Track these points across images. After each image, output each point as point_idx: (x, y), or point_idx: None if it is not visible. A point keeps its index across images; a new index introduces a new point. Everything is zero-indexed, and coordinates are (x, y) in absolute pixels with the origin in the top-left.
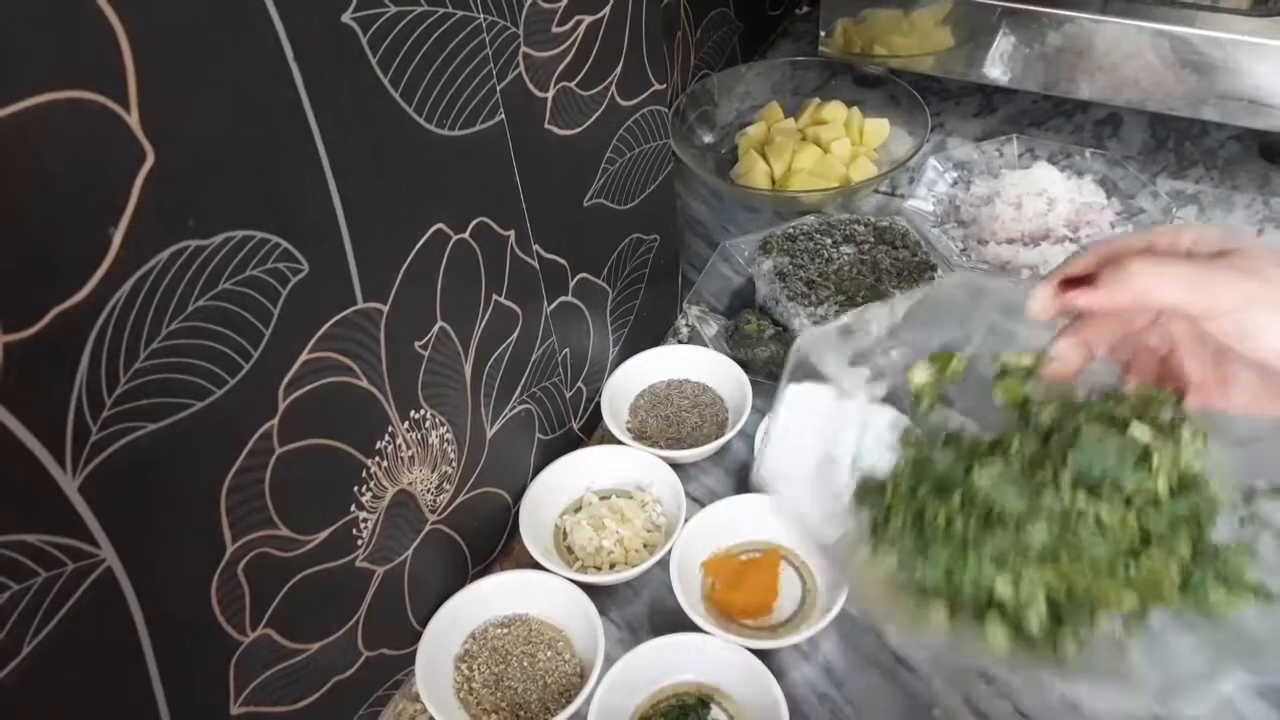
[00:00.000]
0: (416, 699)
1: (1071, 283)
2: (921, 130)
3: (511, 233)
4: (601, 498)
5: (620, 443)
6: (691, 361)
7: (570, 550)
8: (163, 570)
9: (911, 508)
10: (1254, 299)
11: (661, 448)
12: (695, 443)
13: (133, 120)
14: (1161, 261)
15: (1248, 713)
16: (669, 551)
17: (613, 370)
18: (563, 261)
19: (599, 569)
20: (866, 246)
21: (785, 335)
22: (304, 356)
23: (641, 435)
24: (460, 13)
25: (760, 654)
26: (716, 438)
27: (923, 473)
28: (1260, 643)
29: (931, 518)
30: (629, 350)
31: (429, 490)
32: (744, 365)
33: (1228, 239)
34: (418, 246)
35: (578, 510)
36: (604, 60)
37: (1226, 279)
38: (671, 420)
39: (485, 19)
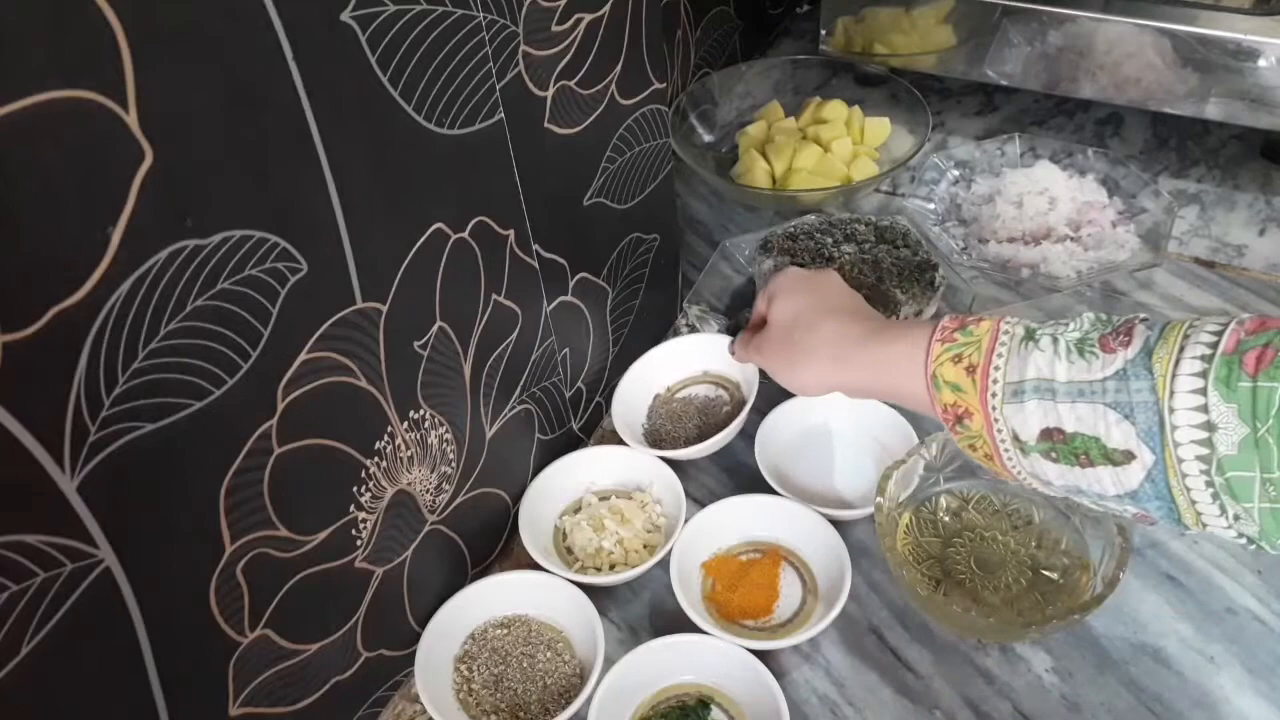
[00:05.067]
0: (416, 700)
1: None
2: (923, 129)
3: (511, 232)
4: (601, 498)
5: (623, 443)
6: (698, 356)
7: (570, 551)
8: (161, 571)
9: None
10: (761, 363)
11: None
12: (697, 440)
13: (131, 119)
14: (743, 339)
15: (1248, 712)
16: (669, 552)
17: (615, 384)
18: (562, 261)
19: (599, 570)
20: (868, 245)
21: None
22: (303, 356)
23: (656, 440)
24: (459, 11)
25: (760, 654)
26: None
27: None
28: None
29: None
30: (629, 350)
31: (428, 490)
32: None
33: (770, 312)
34: (417, 246)
35: (577, 511)
36: (604, 59)
37: (755, 354)
38: (680, 419)
39: (485, 17)
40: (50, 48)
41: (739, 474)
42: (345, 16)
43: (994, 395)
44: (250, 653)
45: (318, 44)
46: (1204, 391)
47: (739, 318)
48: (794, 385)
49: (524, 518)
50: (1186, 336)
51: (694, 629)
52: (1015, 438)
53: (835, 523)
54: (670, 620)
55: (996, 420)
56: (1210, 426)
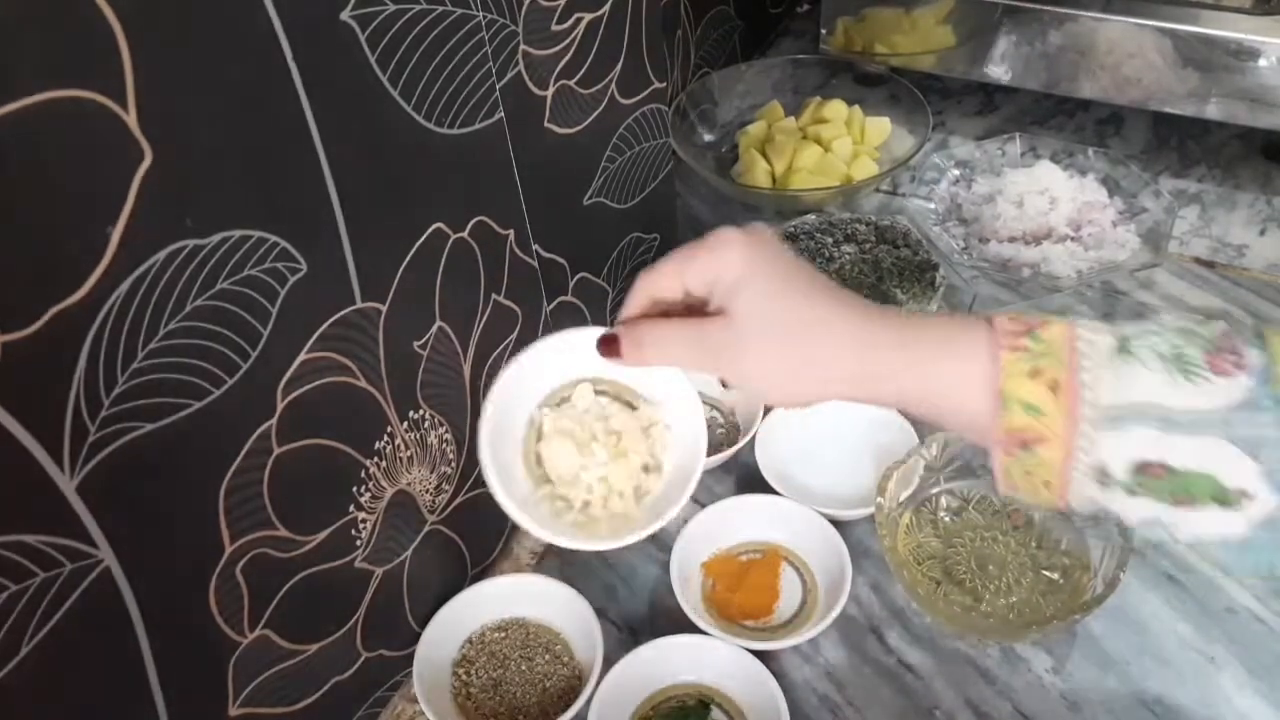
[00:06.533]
0: (415, 700)
1: (609, 341)
2: (923, 129)
3: (511, 232)
4: (598, 391)
5: None
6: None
7: (540, 462)
8: (161, 571)
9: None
10: (730, 375)
11: None
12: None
13: (131, 119)
14: (662, 331)
15: (1248, 712)
16: (669, 551)
17: None
18: (562, 261)
19: (566, 502)
20: (868, 245)
21: None
22: (302, 356)
23: None
24: (459, 10)
25: (761, 655)
26: (728, 445)
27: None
28: None
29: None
30: None
31: (428, 491)
32: None
33: (718, 285)
34: (416, 246)
35: (562, 402)
36: (604, 58)
37: (711, 355)
38: None
39: (484, 17)
40: (50, 47)
41: (739, 474)
42: (345, 16)
43: (1087, 419)
44: (250, 653)
45: (317, 43)
46: None
47: None
48: (788, 399)
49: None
50: None
51: (694, 629)
52: (1101, 470)
53: (835, 523)
54: (670, 620)
55: (1084, 450)
56: None
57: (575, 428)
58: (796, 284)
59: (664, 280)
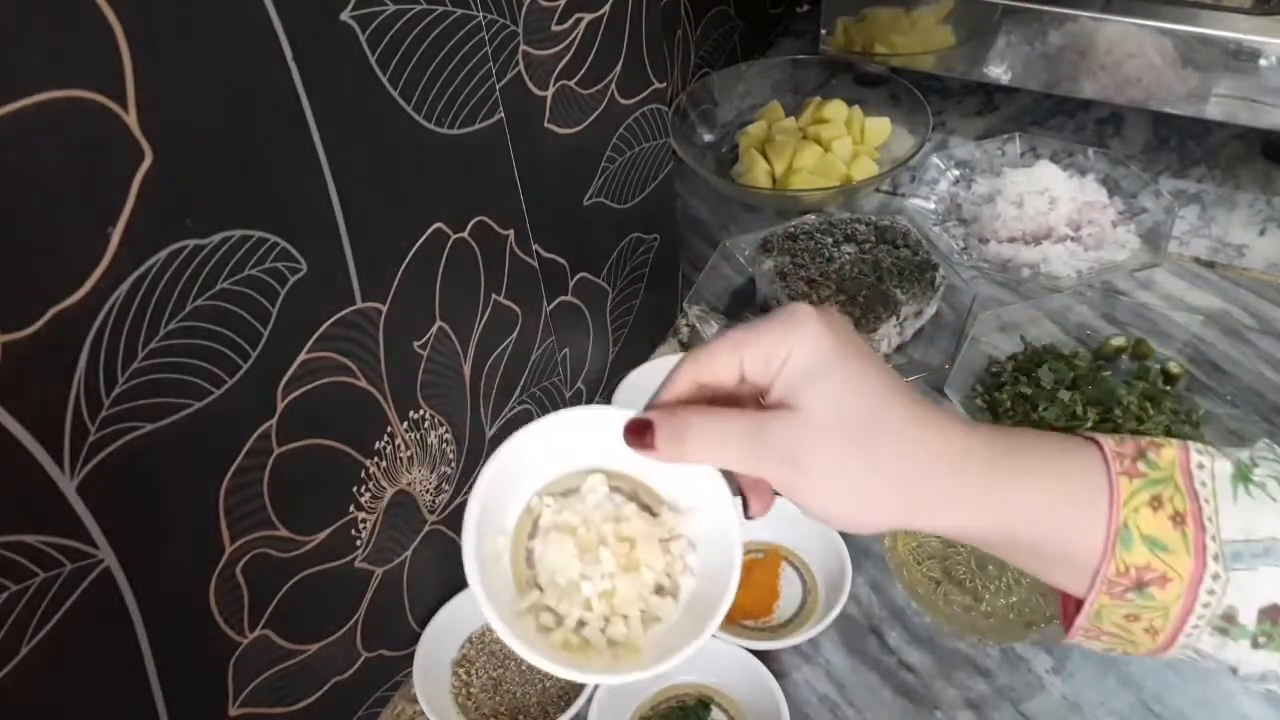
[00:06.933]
0: (415, 700)
1: (640, 428)
2: (923, 129)
3: (511, 232)
4: (613, 487)
5: None
6: None
7: (531, 562)
8: (161, 571)
9: None
10: (791, 488)
11: None
12: None
13: (131, 119)
14: (712, 423)
15: (1248, 712)
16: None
17: (615, 385)
18: (562, 261)
19: (556, 616)
20: (868, 245)
21: None
22: (302, 356)
23: None
24: (459, 11)
25: (761, 655)
26: None
27: None
28: None
29: None
30: (629, 350)
31: (428, 491)
32: None
33: (787, 372)
34: (417, 246)
35: (569, 493)
36: (604, 58)
37: (771, 458)
38: None
39: (484, 17)
40: (50, 48)
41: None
42: (345, 16)
43: (1216, 557)
44: (250, 653)
45: (318, 44)
46: None
47: (739, 318)
48: (857, 518)
49: (481, 485)
50: None
51: None
52: (1228, 617)
53: None
54: None
55: (1213, 591)
56: None
57: (580, 525)
58: (875, 379)
59: (717, 362)
